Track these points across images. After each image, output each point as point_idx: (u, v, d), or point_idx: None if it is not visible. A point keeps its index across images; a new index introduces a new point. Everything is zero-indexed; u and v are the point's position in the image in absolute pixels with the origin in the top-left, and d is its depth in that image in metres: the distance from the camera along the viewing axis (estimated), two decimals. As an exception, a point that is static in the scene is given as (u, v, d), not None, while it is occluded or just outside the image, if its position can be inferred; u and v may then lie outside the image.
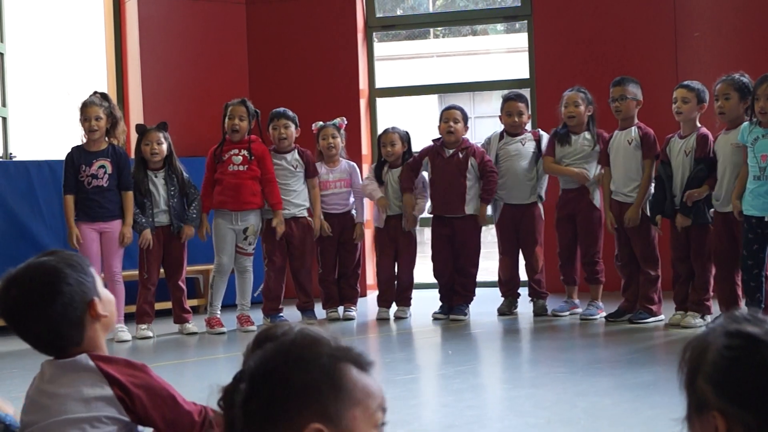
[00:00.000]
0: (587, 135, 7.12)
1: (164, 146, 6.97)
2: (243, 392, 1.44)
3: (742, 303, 6.10)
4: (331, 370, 1.44)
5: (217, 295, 7.11)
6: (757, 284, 5.97)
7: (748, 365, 1.42)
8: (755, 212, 5.92)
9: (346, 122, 7.65)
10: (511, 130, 7.39)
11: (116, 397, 2.25)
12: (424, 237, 7.83)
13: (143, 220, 6.89)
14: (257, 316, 7.24)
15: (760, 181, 5.90)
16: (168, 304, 7.24)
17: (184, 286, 7.11)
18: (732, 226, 6.15)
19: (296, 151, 7.40)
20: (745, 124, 6.04)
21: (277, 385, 1.42)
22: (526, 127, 7.45)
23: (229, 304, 7.35)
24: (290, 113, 7.38)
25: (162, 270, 7.10)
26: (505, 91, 7.73)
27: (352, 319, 7.41)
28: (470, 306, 7.35)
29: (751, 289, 5.98)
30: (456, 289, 7.33)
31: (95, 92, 6.97)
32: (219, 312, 7.13)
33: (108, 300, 2.38)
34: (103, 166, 6.81)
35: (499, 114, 7.46)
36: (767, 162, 5.89)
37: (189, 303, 7.30)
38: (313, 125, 7.57)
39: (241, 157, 7.09)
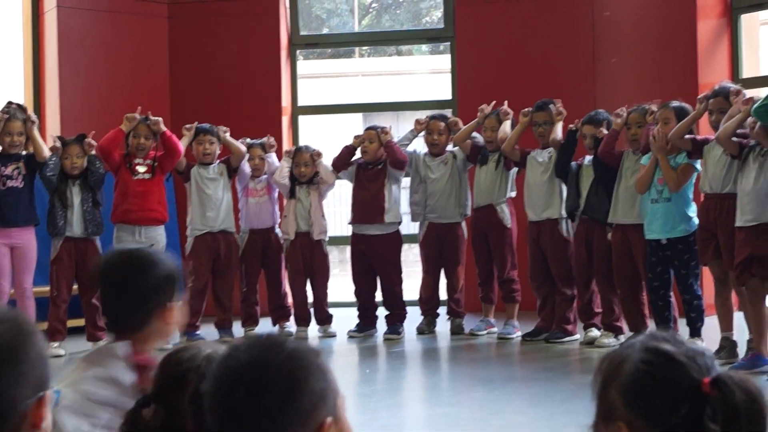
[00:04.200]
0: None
1: (84, 159, 6.90)
2: (237, 400, 1.44)
3: (650, 322, 6.23)
4: (329, 370, 1.49)
5: None
6: (664, 304, 6.11)
7: (659, 381, 1.44)
8: (654, 235, 6.08)
9: (274, 143, 7.61)
10: (432, 149, 7.45)
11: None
12: (346, 255, 7.81)
13: (61, 223, 6.78)
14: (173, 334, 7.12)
15: (657, 204, 6.08)
16: (82, 321, 7.08)
17: (98, 304, 6.97)
18: (629, 244, 6.29)
19: (218, 162, 7.40)
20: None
21: (293, 393, 1.44)
22: (447, 148, 7.51)
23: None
24: (215, 129, 7.36)
25: (76, 286, 6.97)
26: (429, 112, 7.82)
27: (290, 335, 7.34)
28: (400, 324, 7.34)
29: (659, 309, 6.12)
30: (387, 308, 7.38)
31: (10, 103, 6.85)
32: (132, 330, 7.01)
33: (182, 313, 2.48)
34: (18, 168, 6.74)
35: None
36: (664, 185, 6.06)
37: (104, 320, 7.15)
38: (240, 141, 7.51)
39: (146, 166, 7.06)
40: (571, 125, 6.78)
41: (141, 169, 7.06)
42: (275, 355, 1.46)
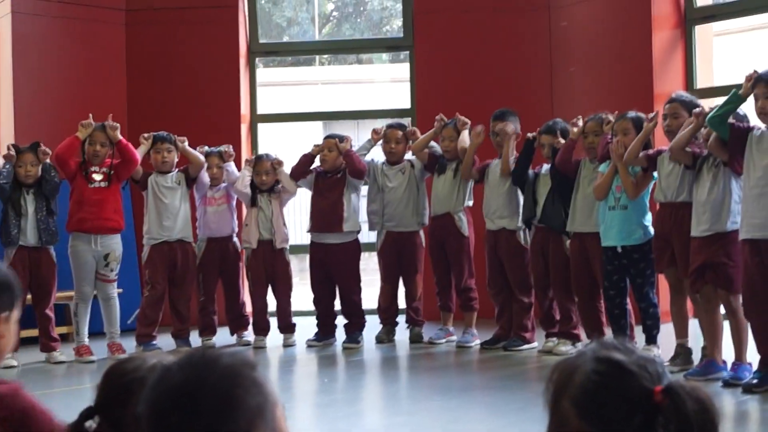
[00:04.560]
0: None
1: (38, 167, 6.82)
2: (173, 423, 1.40)
3: (607, 330, 6.27)
4: (265, 382, 1.46)
5: (82, 324, 6.94)
6: (621, 312, 6.16)
7: (611, 391, 1.43)
8: (611, 242, 6.13)
9: (232, 152, 7.57)
10: (390, 157, 7.46)
11: None
12: (305, 264, 7.79)
13: (15, 232, 6.70)
14: (130, 343, 7.07)
15: (615, 211, 6.13)
16: (35, 332, 6.99)
17: (51, 314, 6.89)
18: (586, 252, 6.34)
19: (176, 171, 7.35)
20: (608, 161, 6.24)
21: (229, 411, 1.40)
22: (405, 156, 7.52)
23: (101, 332, 7.15)
24: (173, 137, 7.32)
25: (29, 296, 6.89)
26: (388, 120, 7.84)
27: (248, 344, 7.31)
28: (359, 333, 7.34)
29: (615, 316, 6.17)
30: (346, 317, 7.37)
31: None
32: (87, 340, 6.94)
33: (11, 327, 2.23)
34: None
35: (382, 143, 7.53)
36: (621, 193, 6.11)
37: (58, 330, 7.09)
38: (198, 148, 7.47)
39: (102, 175, 7.00)
40: (528, 134, 6.82)
41: (97, 177, 7.00)
42: (209, 374, 1.43)
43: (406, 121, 8.58)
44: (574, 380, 1.47)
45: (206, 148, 7.50)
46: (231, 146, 7.64)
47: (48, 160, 6.89)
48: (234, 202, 7.56)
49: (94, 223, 6.94)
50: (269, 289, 7.47)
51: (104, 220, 6.98)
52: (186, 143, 7.34)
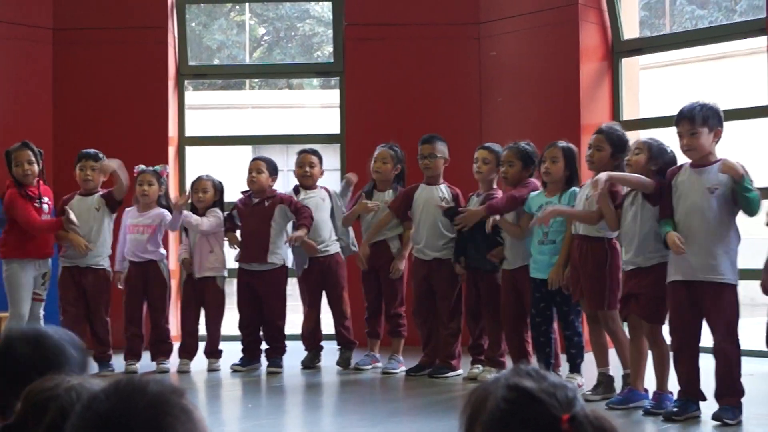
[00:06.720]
0: (391, 194, 7.23)
1: None
2: None
3: (533, 358, 6.30)
4: (194, 409, 1.46)
5: None
6: (546, 340, 6.18)
7: (518, 419, 1.45)
8: (540, 275, 6.12)
9: (168, 170, 7.49)
10: (303, 181, 7.41)
11: None
12: (232, 288, 7.69)
13: None
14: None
15: (544, 245, 6.13)
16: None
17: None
18: (516, 284, 6.36)
19: (98, 195, 7.18)
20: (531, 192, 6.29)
21: None
22: (318, 182, 7.49)
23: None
24: (101, 155, 7.16)
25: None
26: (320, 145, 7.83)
27: (166, 371, 7.17)
28: (280, 358, 7.26)
29: (540, 344, 6.19)
30: (268, 342, 7.27)
31: None
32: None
33: None
34: None
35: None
36: (550, 227, 6.11)
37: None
38: (135, 168, 7.35)
39: (47, 206, 6.89)
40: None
41: (45, 208, 6.90)
42: (136, 402, 1.41)
43: (336, 147, 8.56)
44: (486, 407, 1.49)
45: (142, 166, 7.36)
46: (167, 165, 7.55)
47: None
48: (161, 232, 7.39)
49: (41, 253, 6.90)
50: (201, 313, 7.38)
51: (49, 249, 6.99)
52: (117, 163, 7.05)
